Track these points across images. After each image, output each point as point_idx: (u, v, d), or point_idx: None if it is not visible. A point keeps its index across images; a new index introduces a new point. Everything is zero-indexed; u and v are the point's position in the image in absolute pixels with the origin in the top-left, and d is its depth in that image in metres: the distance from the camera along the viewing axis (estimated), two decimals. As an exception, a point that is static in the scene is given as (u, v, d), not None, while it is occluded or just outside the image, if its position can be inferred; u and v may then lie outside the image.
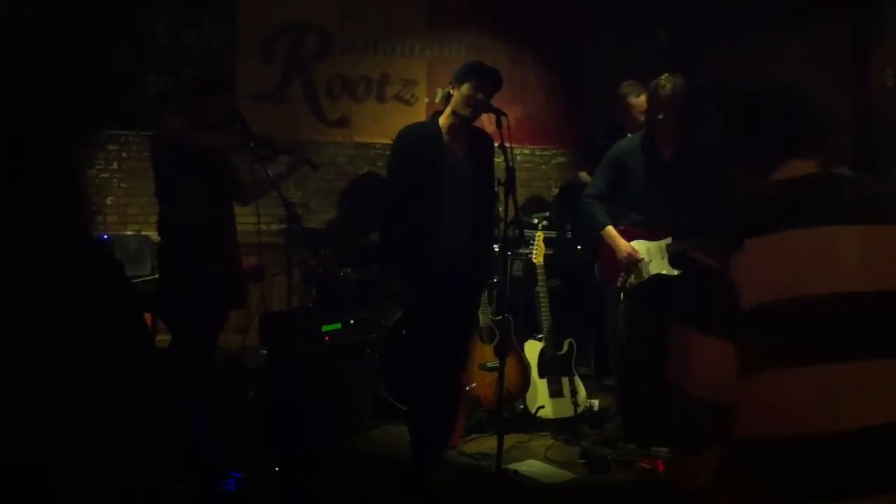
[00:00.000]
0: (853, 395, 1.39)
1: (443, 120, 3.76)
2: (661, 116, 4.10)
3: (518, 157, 6.07)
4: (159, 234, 3.93)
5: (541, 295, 4.70)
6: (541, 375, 4.65)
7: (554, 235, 5.55)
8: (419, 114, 6.10)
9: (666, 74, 4.15)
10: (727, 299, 1.41)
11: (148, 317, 4.16)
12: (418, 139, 3.75)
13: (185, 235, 3.75)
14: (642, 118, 4.62)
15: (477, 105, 3.64)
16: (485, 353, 4.59)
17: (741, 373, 1.42)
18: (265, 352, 4.41)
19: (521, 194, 4.01)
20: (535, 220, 5.61)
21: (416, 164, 3.69)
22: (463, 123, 3.71)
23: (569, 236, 5.73)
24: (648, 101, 4.23)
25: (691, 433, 1.49)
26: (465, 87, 3.65)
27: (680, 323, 1.48)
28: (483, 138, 3.83)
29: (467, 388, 4.37)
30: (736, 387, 1.42)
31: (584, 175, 5.36)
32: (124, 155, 5.86)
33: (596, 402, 4.80)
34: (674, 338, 1.49)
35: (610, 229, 4.25)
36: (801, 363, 1.40)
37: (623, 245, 4.20)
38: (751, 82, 1.67)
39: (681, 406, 1.48)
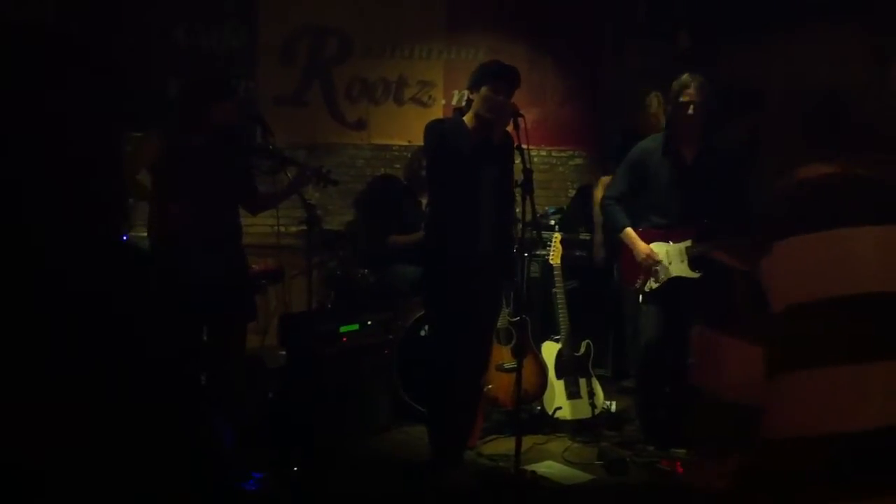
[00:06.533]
0: (882, 394, 1.39)
1: (468, 120, 3.75)
2: (690, 112, 4.06)
3: (535, 159, 6.04)
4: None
5: (558, 296, 4.70)
6: (558, 377, 4.65)
7: (571, 237, 5.54)
8: (436, 116, 6.09)
9: (687, 74, 4.11)
10: (757, 301, 1.42)
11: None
12: (449, 130, 3.74)
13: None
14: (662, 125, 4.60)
15: (497, 107, 3.62)
16: (502, 355, 4.59)
17: (769, 374, 1.42)
18: (284, 352, 4.44)
19: (538, 195, 4.00)
20: (552, 222, 5.61)
21: (451, 152, 3.66)
22: (487, 126, 3.68)
23: (587, 237, 5.72)
24: (670, 102, 4.21)
25: (718, 435, 1.49)
26: (483, 90, 3.64)
27: (706, 325, 1.49)
28: (503, 139, 3.81)
29: (485, 390, 4.37)
30: (763, 388, 1.42)
31: (607, 181, 5.35)
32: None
33: (613, 404, 4.79)
34: (699, 340, 1.50)
35: (629, 231, 4.25)
36: (829, 363, 1.40)
37: (642, 247, 4.19)
38: (787, 83, 1.68)
39: (706, 409, 1.48)
